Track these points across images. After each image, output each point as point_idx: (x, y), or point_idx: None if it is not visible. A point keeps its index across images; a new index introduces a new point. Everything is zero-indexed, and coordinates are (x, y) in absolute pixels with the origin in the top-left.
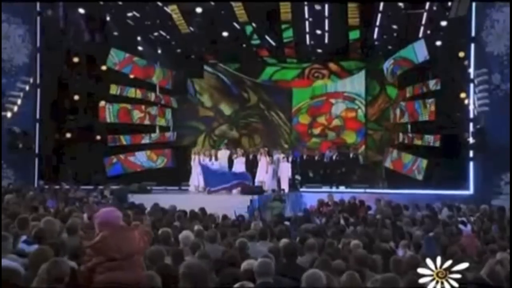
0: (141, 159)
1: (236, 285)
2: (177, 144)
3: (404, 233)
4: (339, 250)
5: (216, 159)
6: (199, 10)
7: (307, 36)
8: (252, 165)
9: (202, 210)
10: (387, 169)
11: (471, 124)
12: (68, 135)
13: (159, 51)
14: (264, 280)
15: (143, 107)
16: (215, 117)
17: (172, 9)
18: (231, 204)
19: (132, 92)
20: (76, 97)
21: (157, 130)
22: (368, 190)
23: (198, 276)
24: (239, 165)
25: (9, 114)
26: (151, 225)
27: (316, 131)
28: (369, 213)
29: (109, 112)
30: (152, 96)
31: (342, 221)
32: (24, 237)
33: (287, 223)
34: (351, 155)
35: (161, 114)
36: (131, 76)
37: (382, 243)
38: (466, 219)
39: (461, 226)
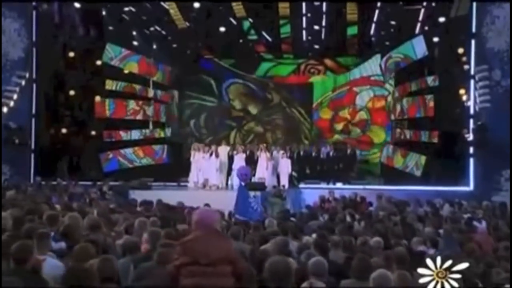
0: (127, 151)
1: (304, 284)
2: (172, 140)
3: (414, 230)
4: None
5: (217, 155)
6: (196, 5)
7: (305, 32)
8: (252, 162)
9: (207, 206)
10: (383, 165)
11: (471, 121)
12: (64, 130)
13: (154, 46)
14: (319, 280)
15: (140, 102)
16: (244, 116)
17: (169, 4)
18: (232, 200)
19: (128, 87)
20: (71, 92)
21: (151, 126)
22: (367, 187)
23: (282, 273)
24: (239, 161)
25: (5, 109)
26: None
27: (339, 126)
28: (370, 209)
29: (105, 104)
30: (147, 92)
31: (348, 218)
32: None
33: (293, 219)
34: (348, 151)
35: (157, 110)
36: (126, 72)
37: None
38: (471, 215)
39: (475, 223)
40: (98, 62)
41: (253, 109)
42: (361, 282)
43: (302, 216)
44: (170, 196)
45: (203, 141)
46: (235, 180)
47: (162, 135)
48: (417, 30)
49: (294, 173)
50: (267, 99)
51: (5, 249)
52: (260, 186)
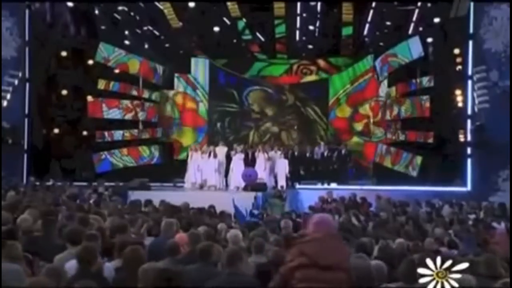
0: (117, 151)
1: (383, 285)
2: (164, 140)
3: (425, 230)
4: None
5: (215, 156)
6: (191, 4)
7: (301, 32)
8: (250, 162)
9: (213, 207)
10: (376, 164)
11: (468, 121)
12: (56, 130)
13: (147, 46)
14: (380, 285)
15: (134, 102)
16: (261, 118)
17: (163, 3)
18: (230, 200)
19: (121, 87)
20: (64, 92)
21: (140, 126)
22: (364, 187)
23: (364, 276)
24: (237, 162)
25: None
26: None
27: (358, 126)
28: (370, 210)
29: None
30: (140, 92)
31: (353, 219)
32: None
33: (299, 220)
34: (342, 152)
35: (149, 110)
36: (117, 71)
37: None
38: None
39: (494, 224)
40: (90, 62)
41: (269, 111)
42: (410, 285)
43: (308, 217)
44: (170, 197)
45: (227, 139)
46: (232, 181)
47: (154, 135)
48: (413, 31)
49: (287, 174)
50: (282, 100)
51: (37, 247)
52: (261, 187)
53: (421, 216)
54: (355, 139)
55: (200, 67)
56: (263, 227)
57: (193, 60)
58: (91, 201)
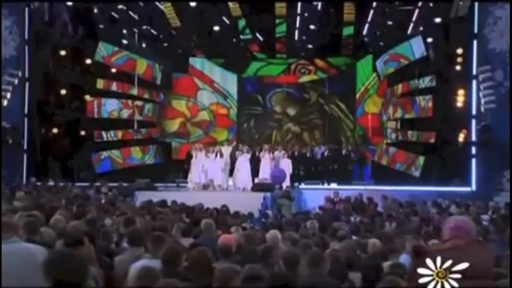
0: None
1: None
2: (161, 140)
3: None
4: None
5: (221, 155)
6: (192, 4)
7: (300, 32)
8: (255, 162)
9: (225, 207)
10: (375, 164)
11: (473, 121)
12: (55, 130)
13: (145, 45)
14: None
15: (134, 102)
16: (283, 118)
17: (163, 3)
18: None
19: (119, 86)
20: (63, 92)
21: (135, 125)
22: (368, 187)
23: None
24: (244, 162)
25: None
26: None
27: (391, 125)
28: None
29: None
30: (138, 91)
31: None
32: None
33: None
34: (343, 152)
35: (147, 110)
36: (113, 70)
37: None
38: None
39: None
40: (88, 61)
41: (291, 111)
42: None
43: (321, 217)
44: (178, 197)
45: (252, 138)
46: (238, 181)
47: (152, 135)
48: (414, 30)
49: (291, 174)
50: (305, 99)
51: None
52: (268, 187)
53: (438, 217)
54: (388, 141)
55: (231, 82)
56: (306, 230)
57: (220, 72)
58: (102, 202)
